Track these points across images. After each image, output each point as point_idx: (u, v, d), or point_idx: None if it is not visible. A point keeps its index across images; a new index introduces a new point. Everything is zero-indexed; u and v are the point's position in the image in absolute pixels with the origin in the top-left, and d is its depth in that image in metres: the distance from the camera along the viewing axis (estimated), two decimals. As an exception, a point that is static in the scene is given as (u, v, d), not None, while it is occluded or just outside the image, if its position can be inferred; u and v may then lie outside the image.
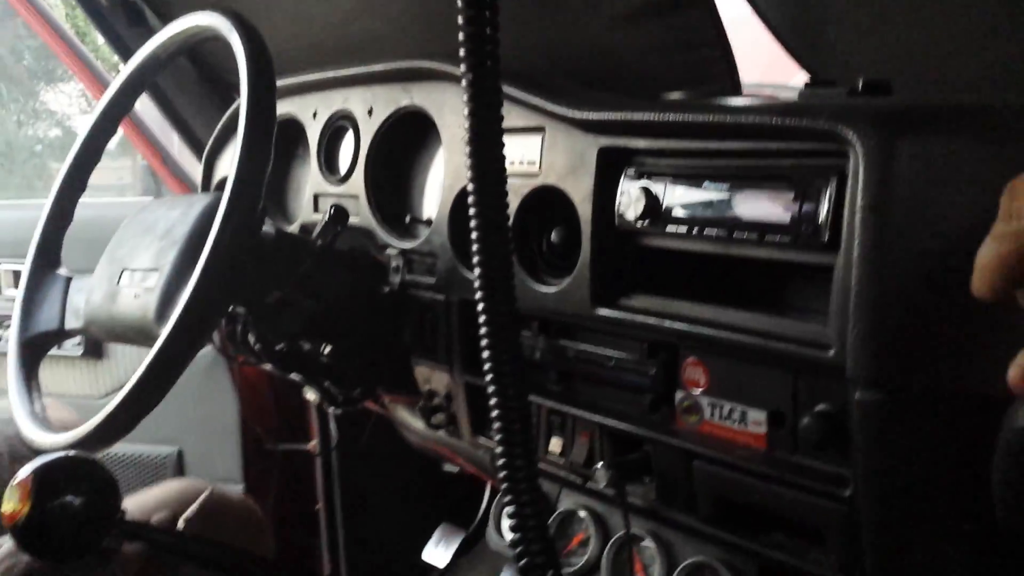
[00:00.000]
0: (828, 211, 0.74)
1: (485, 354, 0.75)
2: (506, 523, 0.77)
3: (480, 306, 0.75)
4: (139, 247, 1.15)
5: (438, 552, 1.59)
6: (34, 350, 1.21)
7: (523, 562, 0.71)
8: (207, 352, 1.68)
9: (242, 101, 0.99)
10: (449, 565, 1.59)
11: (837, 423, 0.76)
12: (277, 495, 1.83)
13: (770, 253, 0.80)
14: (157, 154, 1.84)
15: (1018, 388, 0.44)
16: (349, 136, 1.33)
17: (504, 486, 0.72)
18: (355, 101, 1.29)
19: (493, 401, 0.74)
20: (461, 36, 0.70)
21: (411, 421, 1.40)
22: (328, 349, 1.21)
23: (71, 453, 0.77)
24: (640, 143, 0.90)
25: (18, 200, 3.42)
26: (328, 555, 1.77)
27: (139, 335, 1.10)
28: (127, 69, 1.26)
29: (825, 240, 0.74)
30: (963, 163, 0.67)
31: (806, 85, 0.87)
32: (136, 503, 1.15)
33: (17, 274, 1.76)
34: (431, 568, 1.62)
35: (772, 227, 0.78)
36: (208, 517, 1.13)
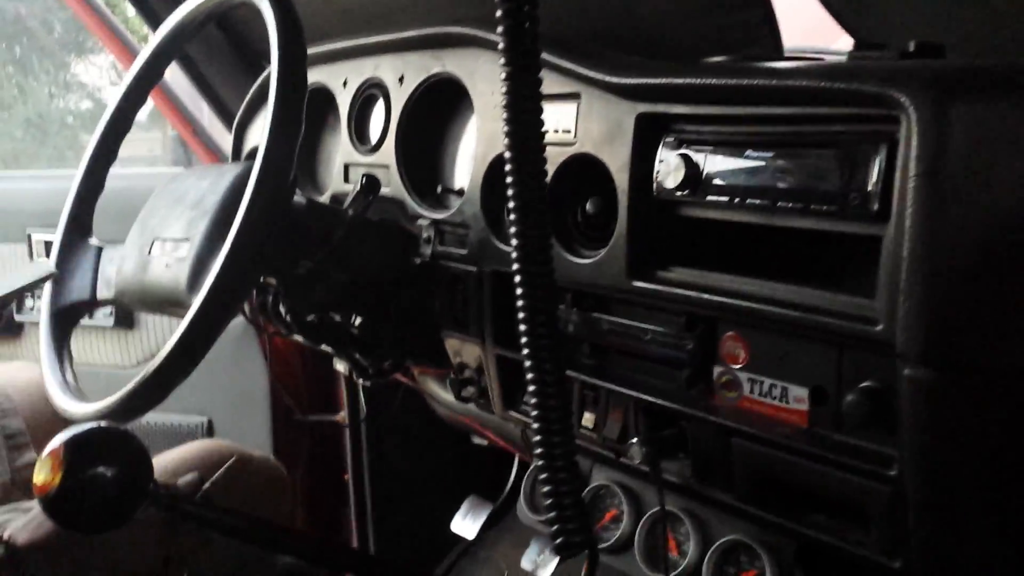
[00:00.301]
0: (878, 179, 0.71)
1: (522, 327, 0.73)
2: (541, 499, 0.75)
3: (517, 278, 0.74)
4: (170, 217, 1.14)
5: (466, 524, 1.58)
6: (66, 320, 1.21)
7: (559, 540, 0.70)
8: (238, 322, 1.69)
9: (273, 69, 0.97)
10: (477, 537, 1.59)
11: (883, 400, 0.73)
12: (306, 466, 1.84)
13: (816, 223, 0.77)
14: (187, 124, 1.83)
15: None
16: (380, 105, 1.31)
17: (540, 462, 0.71)
18: (386, 69, 1.27)
19: (530, 376, 0.73)
20: (499, -4, 0.68)
21: (441, 394, 1.39)
22: (358, 321, 1.20)
23: (103, 424, 0.76)
24: (680, 109, 0.87)
25: (50, 171, 3.44)
26: (356, 525, 1.77)
27: (170, 305, 1.09)
28: (156, 37, 1.25)
29: (875, 210, 0.71)
30: (1021, 128, 0.64)
31: (854, 48, 0.83)
32: (162, 464, 1.15)
33: (49, 244, 1.77)
34: (459, 539, 1.62)
35: (818, 196, 0.75)
36: (234, 479, 1.13)
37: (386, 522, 1.79)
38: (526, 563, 1.44)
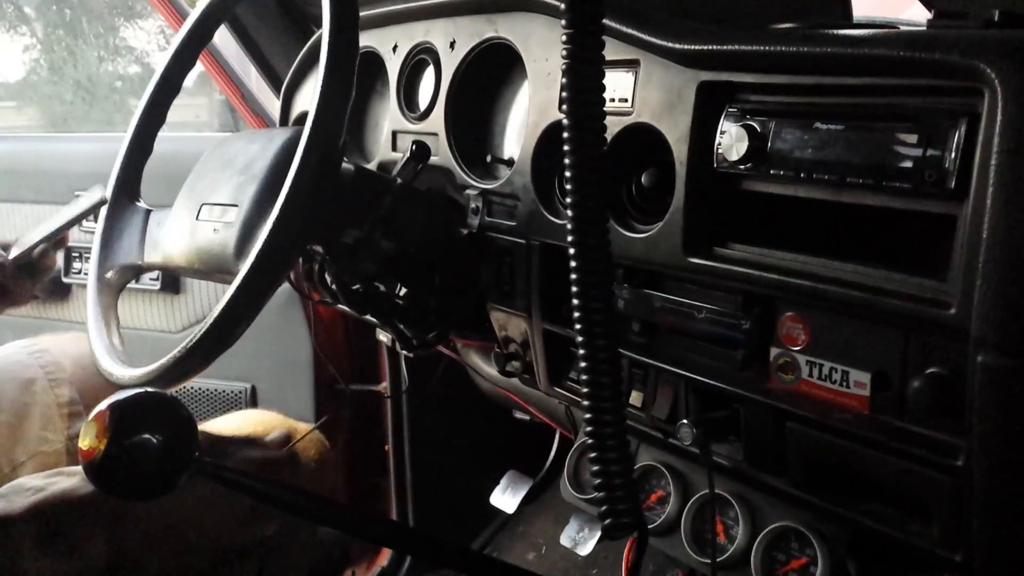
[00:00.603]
0: (956, 156, 0.67)
1: (575, 302, 0.71)
2: (587, 477, 0.73)
3: (572, 250, 0.71)
4: (219, 181, 1.13)
5: (506, 498, 1.57)
6: (113, 283, 1.21)
7: (608, 521, 0.68)
8: (283, 290, 1.68)
9: (324, 32, 0.95)
10: (515, 512, 1.58)
11: (951, 388, 0.70)
12: (347, 435, 1.84)
13: (887, 200, 0.73)
14: (236, 89, 1.83)
15: None
16: (430, 71, 1.28)
17: (590, 441, 0.69)
18: (437, 33, 1.24)
19: (582, 352, 0.70)
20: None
21: (484, 367, 1.37)
22: (403, 291, 1.19)
23: (149, 390, 0.75)
24: (746, 78, 0.83)
25: (96, 134, 3.48)
26: (395, 496, 1.78)
27: (218, 271, 1.09)
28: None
29: (952, 187, 0.67)
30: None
31: (934, 16, 0.79)
32: (209, 430, 1.15)
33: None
34: (497, 513, 1.61)
35: (891, 172, 0.72)
36: (282, 449, 1.13)
37: (425, 494, 1.79)
38: (565, 540, 1.43)
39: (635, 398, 1.02)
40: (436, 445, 1.77)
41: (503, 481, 1.60)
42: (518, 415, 1.55)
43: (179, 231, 1.15)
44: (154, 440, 0.72)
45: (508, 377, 1.25)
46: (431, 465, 1.77)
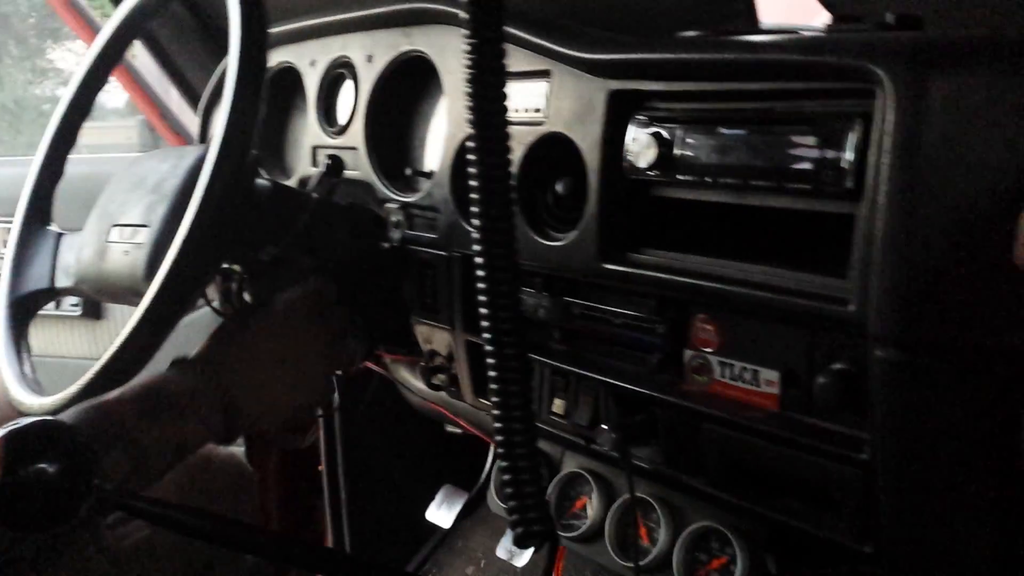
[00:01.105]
0: (853, 156, 0.69)
1: (483, 311, 0.70)
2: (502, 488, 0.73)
3: (479, 260, 0.71)
4: (129, 202, 1.10)
5: (441, 513, 1.56)
6: (24, 309, 1.17)
7: (519, 530, 0.68)
8: (207, 311, 1.65)
9: (231, 46, 0.93)
10: (452, 526, 1.57)
11: (855, 383, 0.72)
12: (280, 456, 1.80)
13: (789, 202, 0.75)
14: (155, 108, 1.79)
15: None
16: (348, 85, 1.27)
17: (500, 450, 0.68)
18: (354, 48, 1.24)
19: (491, 361, 0.70)
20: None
21: (413, 382, 1.36)
22: (326, 307, 1.17)
23: (46, 418, 0.73)
24: (653, 86, 0.85)
25: (9, 157, 3.38)
26: (331, 517, 1.74)
27: (129, 293, 1.06)
28: (116, 16, 1.20)
29: (849, 187, 0.69)
30: (1002, 101, 0.62)
31: (832, 20, 0.81)
32: None
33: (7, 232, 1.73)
34: (434, 528, 1.60)
35: (791, 174, 0.73)
36: (195, 479, 1.10)
37: (361, 513, 1.76)
38: (501, 552, 1.43)
39: (558, 406, 1.02)
40: (370, 463, 1.74)
41: (438, 496, 1.59)
42: (450, 429, 1.54)
43: (90, 254, 1.12)
44: (50, 469, 0.69)
45: (435, 390, 1.24)
46: (366, 483, 1.75)
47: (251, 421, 0.92)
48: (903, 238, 0.63)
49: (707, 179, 0.80)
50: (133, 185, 1.12)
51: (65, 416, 0.80)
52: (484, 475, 1.57)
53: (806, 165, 0.72)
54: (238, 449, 1.70)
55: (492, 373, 0.70)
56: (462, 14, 0.67)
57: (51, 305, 1.76)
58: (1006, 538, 0.69)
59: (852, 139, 0.69)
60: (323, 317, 1.00)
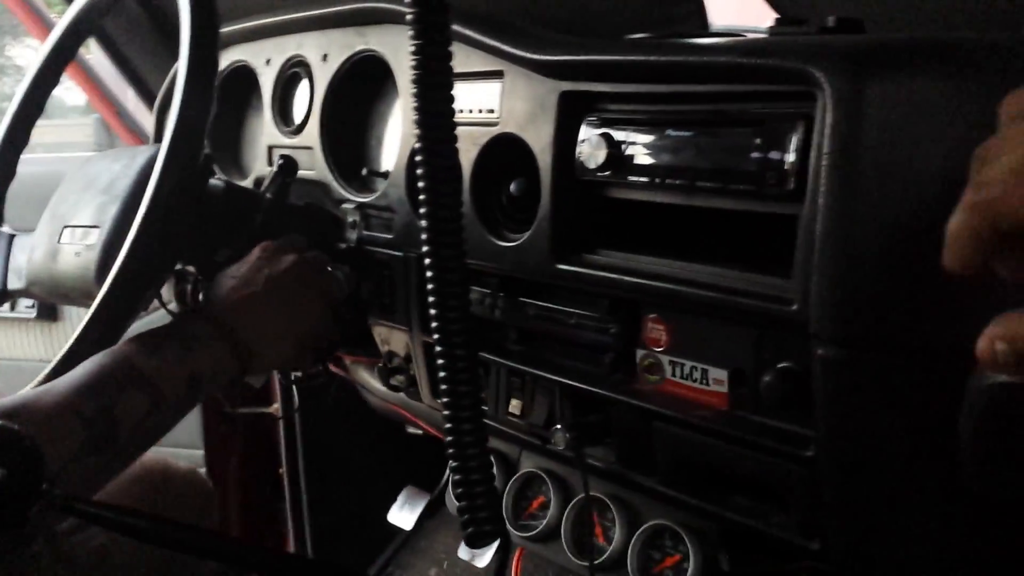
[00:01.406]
0: (794, 158, 0.70)
1: (432, 311, 0.71)
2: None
3: (427, 260, 0.71)
4: (81, 202, 1.09)
5: (403, 515, 1.55)
6: (-27, 311, 1.15)
7: (470, 530, 0.68)
8: (164, 314, 1.63)
9: (181, 44, 0.92)
10: (415, 527, 1.56)
11: (800, 381, 0.73)
12: (239, 460, 1.79)
13: (733, 203, 0.75)
14: (111, 107, 1.77)
15: (986, 360, 0.40)
16: (304, 84, 1.27)
17: (450, 450, 0.69)
18: (309, 46, 1.23)
19: (440, 361, 0.70)
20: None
21: (371, 383, 1.36)
22: (282, 308, 1.16)
23: (-12, 423, 0.71)
24: (602, 87, 0.85)
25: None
26: (292, 520, 1.73)
27: (80, 295, 1.04)
28: (69, 13, 1.19)
29: (791, 189, 0.70)
30: (938, 104, 0.63)
31: (775, 23, 0.82)
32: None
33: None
34: (397, 530, 1.59)
35: (736, 175, 0.74)
36: (154, 493, 1.09)
37: (323, 516, 1.75)
38: (463, 553, 1.43)
39: (514, 406, 1.02)
40: (331, 465, 1.73)
41: (400, 497, 1.58)
42: (411, 430, 1.53)
43: (41, 255, 1.10)
44: (-2, 474, 0.68)
45: (394, 391, 1.24)
46: (328, 486, 1.74)
47: (264, 357, 0.93)
48: (841, 239, 0.64)
49: (656, 180, 0.80)
50: (85, 186, 1.11)
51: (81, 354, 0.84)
52: (445, 476, 1.57)
53: (750, 167, 0.73)
54: (199, 467, 1.69)
55: (442, 374, 0.70)
56: (407, 14, 0.67)
57: (5, 307, 1.73)
58: (948, 532, 0.70)
59: (794, 141, 0.70)
60: (304, 256, 1.01)
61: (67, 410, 0.78)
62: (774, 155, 0.71)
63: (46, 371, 0.90)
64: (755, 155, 0.73)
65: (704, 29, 0.98)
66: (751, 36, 0.82)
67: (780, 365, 0.74)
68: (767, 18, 1.14)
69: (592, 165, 0.85)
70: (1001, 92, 0.43)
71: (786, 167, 0.70)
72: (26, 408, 0.77)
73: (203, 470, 1.74)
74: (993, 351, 0.40)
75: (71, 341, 0.89)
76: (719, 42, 0.78)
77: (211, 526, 1.24)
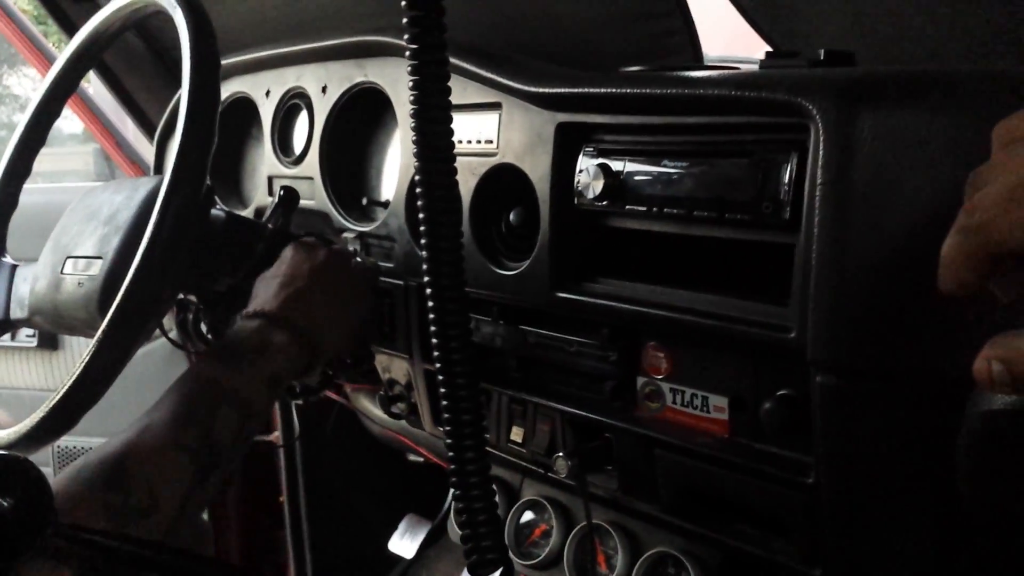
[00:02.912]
0: (789, 188, 0.71)
1: (433, 340, 0.71)
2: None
3: (428, 289, 0.72)
4: (83, 233, 1.10)
5: (404, 543, 1.55)
6: (-24, 342, 1.16)
7: (473, 558, 0.68)
8: (165, 343, 1.64)
9: (184, 77, 0.94)
10: (416, 556, 1.56)
11: (799, 408, 0.73)
12: (240, 488, 1.79)
13: (730, 232, 0.76)
14: (111, 137, 1.78)
15: (982, 381, 0.41)
16: (303, 115, 1.28)
17: (453, 479, 0.69)
18: (308, 78, 1.25)
19: (442, 390, 0.71)
20: (404, 2, 0.66)
21: (373, 410, 1.36)
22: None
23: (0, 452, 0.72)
24: (598, 119, 0.86)
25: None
26: (293, 548, 1.73)
27: (83, 325, 1.05)
28: (71, 46, 1.20)
29: (786, 218, 0.71)
30: (929, 134, 0.64)
31: (767, 56, 0.84)
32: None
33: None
34: (398, 559, 1.59)
35: (732, 205, 0.75)
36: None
37: (324, 544, 1.75)
38: (464, 581, 1.42)
39: (516, 433, 1.03)
40: (332, 493, 1.73)
41: (401, 526, 1.58)
42: (412, 458, 1.53)
43: (44, 286, 1.11)
44: (4, 503, 0.68)
45: (395, 419, 1.25)
46: (328, 514, 1.74)
47: (326, 346, 0.96)
48: (836, 267, 0.65)
49: (654, 209, 0.81)
50: (87, 217, 1.12)
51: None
52: (446, 504, 1.57)
53: (746, 197, 0.74)
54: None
55: (444, 402, 0.70)
56: (406, 48, 0.68)
57: (6, 337, 1.74)
58: (948, 557, 0.70)
59: (788, 171, 0.71)
60: (332, 248, 1.04)
61: (171, 446, 0.80)
62: (769, 185, 0.73)
63: (52, 402, 0.91)
64: (750, 185, 0.74)
65: (698, 61, 1.00)
66: (744, 68, 0.84)
67: (779, 392, 0.75)
68: (758, 47, 1.16)
69: (590, 195, 0.86)
70: (991, 122, 0.44)
71: (781, 197, 0.72)
72: (133, 451, 0.80)
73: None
74: (990, 371, 0.41)
75: (76, 371, 0.89)
76: (712, 75, 0.79)
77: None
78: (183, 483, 0.80)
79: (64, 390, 0.90)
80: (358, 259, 1.13)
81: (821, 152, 0.66)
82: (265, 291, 0.98)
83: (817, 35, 0.99)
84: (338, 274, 1.01)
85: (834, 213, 0.65)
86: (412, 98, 0.69)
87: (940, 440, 0.64)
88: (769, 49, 1.00)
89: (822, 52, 0.79)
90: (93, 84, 1.85)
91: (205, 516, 1.23)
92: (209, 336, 1.14)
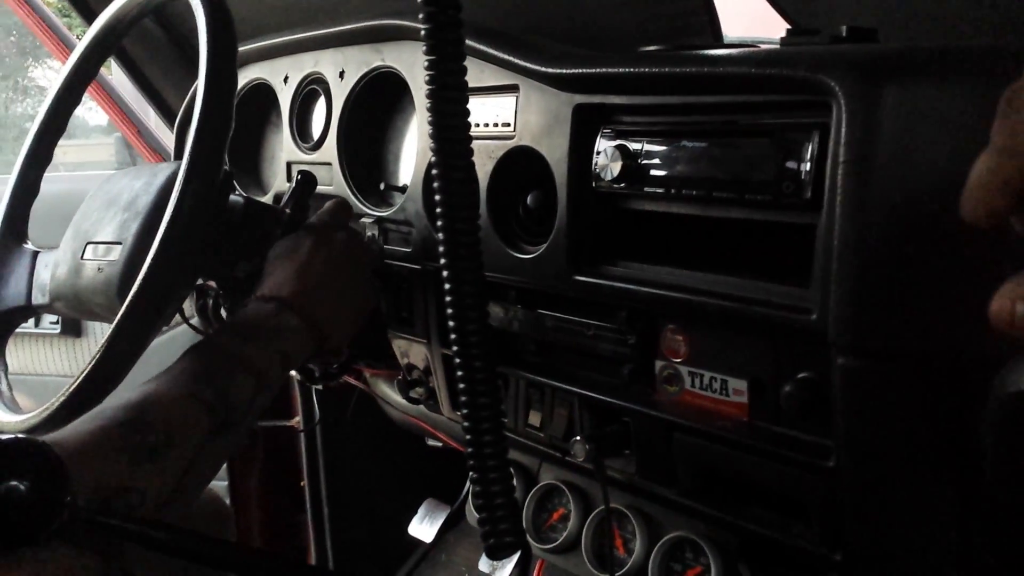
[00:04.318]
0: (811, 167, 0.70)
1: (451, 324, 0.71)
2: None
3: (445, 273, 0.72)
4: (103, 219, 1.11)
5: (424, 527, 1.56)
6: (0, 327, 1.17)
7: (491, 541, 0.68)
8: (186, 328, 1.65)
9: (201, 63, 0.94)
10: (435, 540, 1.56)
11: (820, 391, 0.72)
12: (261, 473, 1.80)
13: (750, 213, 0.75)
14: (132, 125, 1.79)
15: (1001, 321, 0.36)
16: (321, 101, 1.28)
17: (470, 462, 0.69)
18: (326, 63, 1.24)
19: (460, 374, 0.71)
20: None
21: (392, 396, 1.36)
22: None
23: (18, 435, 0.73)
24: (616, 100, 0.85)
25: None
26: (314, 533, 1.74)
27: (104, 310, 1.06)
28: (90, 33, 1.21)
29: (808, 198, 0.70)
30: (952, 111, 0.63)
31: (787, 33, 0.82)
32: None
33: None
34: (417, 543, 1.59)
35: (752, 185, 0.74)
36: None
37: (344, 528, 1.76)
38: (483, 566, 1.43)
39: (534, 418, 1.02)
40: (353, 478, 1.74)
41: (420, 510, 1.58)
42: (431, 442, 1.54)
43: (65, 271, 1.12)
44: (21, 487, 0.69)
45: (414, 404, 1.25)
46: (349, 499, 1.75)
47: (334, 333, 0.99)
48: (858, 247, 0.64)
49: (672, 191, 0.81)
50: (107, 203, 1.12)
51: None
52: (466, 488, 1.57)
53: (766, 176, 0.73)
54: (218, 483, 1.70)
55: (461, 386, 0.70)
56: (422, 31, 0.68)
57: (30, 323, 1.76)
58: (969, 541, 0.69)
59: (810, 150, 0.70)
60: (349, 233, 1.07)
61: (189, 398, 0.84)
62: (790, 165, 0.71)
63: (72, 386, 0.92)
64: (771, 165, 0.73)
65: (717, 40, 0.98)
66: (764, 47, 0.82)
67: (800, 375, 0.74)
68: (779, 29, 1.14)
69: (608, 177, 0.85)
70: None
71: (802, 176, 0.70)
72: (152, 395, 0.84)
73: (224, 484, 1.75)
74: (1012, 311, 0.36)
75: (96, 356, 0.90)
76: (732, 53, 0.78)
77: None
78: (198, 431, 0.83)
79: (84, 374, 0.91)
80: (369, 238, 1.17)
81: (844, 130, 0.65)
82: (281, 273, 0.99)
83: (838, 12, 0.97)
84: (349, 264, 1.03)
85: (857, 192, 0.64)
86: (427, 78, 0.68)
87: (963, 422, 0.63)
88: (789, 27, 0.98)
89: (844, 28, 0.78)
90: (115, 73, 1.86)
91: (227, 500, 1.24)
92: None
